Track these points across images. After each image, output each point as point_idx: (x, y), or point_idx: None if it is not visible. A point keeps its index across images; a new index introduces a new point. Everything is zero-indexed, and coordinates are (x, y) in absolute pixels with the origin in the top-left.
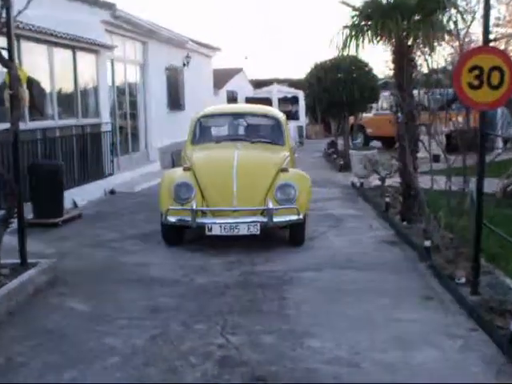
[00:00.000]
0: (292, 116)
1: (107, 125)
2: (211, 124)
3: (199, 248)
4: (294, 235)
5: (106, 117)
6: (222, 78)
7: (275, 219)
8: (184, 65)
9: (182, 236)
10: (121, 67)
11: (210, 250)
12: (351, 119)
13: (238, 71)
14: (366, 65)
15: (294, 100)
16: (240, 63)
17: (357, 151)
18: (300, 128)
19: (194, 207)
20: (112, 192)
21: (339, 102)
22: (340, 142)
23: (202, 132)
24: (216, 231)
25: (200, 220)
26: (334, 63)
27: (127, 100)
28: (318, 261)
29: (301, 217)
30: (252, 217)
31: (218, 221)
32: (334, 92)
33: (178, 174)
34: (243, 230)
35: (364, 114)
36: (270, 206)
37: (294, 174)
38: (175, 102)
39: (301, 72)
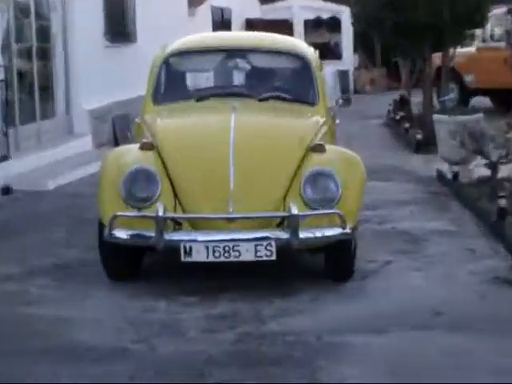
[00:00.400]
0: (330, 53)
1: None
2: (188, 68)
3: (166, 287)
4: (334, 264)
5: None
6: None
7: (303, 234)
8: None
9: (139, 265)
10: None
11: (183, 291)
12: (437, 58)
13: None
14: None
15: (333, 24)
16: None
17: (447, 116)
18: (344, 74)
19: (161, 213)
20: (6, 190)
21: (415, 27)
22: (416, 99)
23: (171, 82)
24: (199, 256)
25: (171, 236)
26: None
27: (33, 25)
28: (376, 314)
29: (347, 230)
30: (262, 231)
31: (202, 237)
32: (406, 8)
33: (132, 155)
34: (247, 254)
35: (459, 50)
36: (294, 210)
37: (334, 156)
38: (118, 28)
39: None
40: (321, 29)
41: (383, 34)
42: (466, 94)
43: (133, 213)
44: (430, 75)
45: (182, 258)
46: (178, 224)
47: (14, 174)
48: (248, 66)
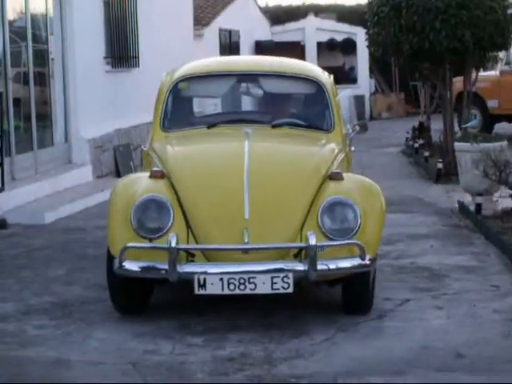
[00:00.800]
0: (345, 77)
1: None
2: (197, 93)
3: (170, 327)
4: (353, 297)
5: None
6: (209, 6)
7: (321, 266)
8: None
9: (148, 298)
10: None
11: (189, 331)
12: (458, 83)
13: None
14: None
15: (348, 46)
16: None
17: (469, 144)
18: (359, 99)
19: (174, 244)
20: (1, 224)
21: (434, 51)
22: (436, 125)
23: (180, 109)
24: (214, 288)
25: (184, 268)
26: None
27: (29, 49)
28: (394, 355)
29: (367, 262)
30: (278, 262)
31: (216, 269)
32: (425, 32)
33: (142, 184)
34: (263, 287)
35: (482, 73)
36: (312, 241)
37: (353, 185)
38: (120, 51)
39: None
40: (334, 51)
41: (401, 58)
42: (490, 120)
43: (144, 244)
44: (451, 100)
45: (196, 291)
46: (190, 255)
47: (10, 207)
48: (259, 91)
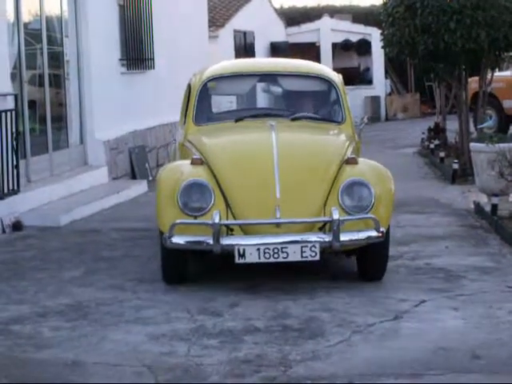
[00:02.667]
0: (360, 78)
1: (5, 99)
2: (224, 91)
3: (186, 329)
4: (367, 263)
5: (2, 83)
6: (224, 7)
7: (343, 237)
8: None
9: (187, 270)
10: None
11: (204, 333)
12: (473, 83)
13: None
14: None
15: (363, 47)
16: None
17: (485, 145)
18: (375, 100)
19: (217, 221)
20: (16, 226)
21: (450, 51)
22: (452, 126)
23: (209, 104)
24: (252, 257)
25: (226, 241)
26: None
27: (45, 51)
28: (409, 356)
29: (382, 231)
30: (306, 234)
31: (254, 241)
32: (441, 32)
33: (186, 170)
34: (294, 255)
35: (497, 74)
36: (336, 215)
37: (366, 168)
38: (135, 53)
39: None
40: (350, 52)
41: (417, 59)
42: (505, 120)
43: (192, 220)
44: (467, 101)
45: (236, 260)
46: (230, 230)
47: (25, 209)
48: (279, 89)
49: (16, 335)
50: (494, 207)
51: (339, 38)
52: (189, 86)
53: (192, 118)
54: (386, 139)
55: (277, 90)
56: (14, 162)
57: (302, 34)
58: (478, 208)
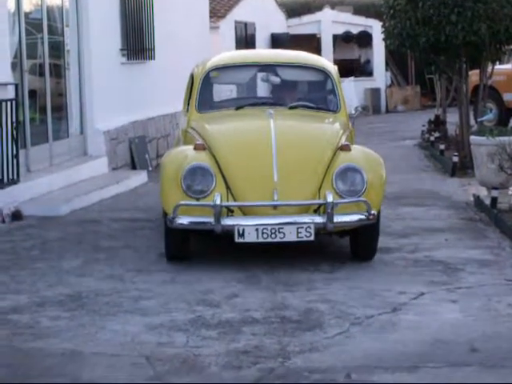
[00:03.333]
0: (360, 70)
1: (5, 88)
2: (225, 80)
3: (184, 319)
4: (359, 244)
5: (2, 73)
6: None
7: (337, 218)
8: None
9: (188, 248)
10: None
11: (203, 323)
12: (474, 76)
13: None
14: None
15: (364, 39)
16: None
17: (485, 138)
18: (375, 92)
19: (218, 202)
20: (16, 216)
21: (451, 44)
22: (452, 118)
23: (211, 93)
24: (250, 237)
25: (226, 221)
26: None
27: (45, 40)
28: (408, 349)
29: (373, 214)
30: (302, 216)
31: (253, 221)
32: (442, 25)
33: (189, 155)
34: (290, 235)
35: (498, 66)
36: (330, 198)
37: (359, 154)
38: (136, 43)
39: None
40: (350, 44)
41: (418, 51)
42: (505, 113)
43: (194, 202)
44: (467, 94)
45: (236, 239)
46: (230, 211)
47: (25, 199)
48: (277, 79)
49: (14, 325)
50: (494, 200)
51: (340, 30)
52: (191, 76)
53: (195, 106)
54: (386, 131)
55: (275, 79)
56: (14, 152)
57: (303, 25)
58: (478, 201)
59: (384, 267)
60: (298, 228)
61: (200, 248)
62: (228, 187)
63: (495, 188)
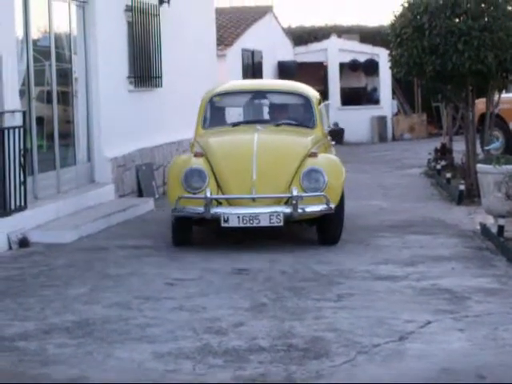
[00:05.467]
0: (367, 98)
1: (13, 116)
2: (226, 104)
3: (191, 347)
4: (323, 232)
5: (10, 100)
6: (232, 26)
7: (301, 209)
8: (161, 2)
9: (190, 235)
10: (42, 5)
11: (209, 351)
12: (481, 104)
13: (262, 13)
14: None
15: (371, 67)
16: None
17: (491, 166)
18: (382, 120)
19: (208, 195)
20: (23, 243)
21: (457, 72)
22: (459, 147)
23: (215, 114)
24: (233, 222)
25: (215, 210)
26: None
27: (53, 68)
28: (415, 378)
29: (331, 206)
30: (274, 206)
31: (235, 210)
32: (448, 53)
33: (190, 160)
34: (264, 221)
35: (505, 95)
36: (295, 192)
37: (323, 160)
38: (143, 71)
39: (382, 15)
40: (357, 72)
41: (424, 80)
42: None
43: (191, 195)
44: (474, 122)
45: (222, 224)
46: (218, 203)
47: (32, 226)
48: (267, 102)
49: (21, 351)
50: (501, 229)
51: (347, 58)
52: (201, 100)
53: (200, 124)
54: (392, 159)
55: (266, 103)
56: (22, 179)
57: (310, 53)
58: (485, 229)
59: (391, 295)
60: (270, 216)
61: (207, 275)
62: (218, 185)
63: (502, 216)
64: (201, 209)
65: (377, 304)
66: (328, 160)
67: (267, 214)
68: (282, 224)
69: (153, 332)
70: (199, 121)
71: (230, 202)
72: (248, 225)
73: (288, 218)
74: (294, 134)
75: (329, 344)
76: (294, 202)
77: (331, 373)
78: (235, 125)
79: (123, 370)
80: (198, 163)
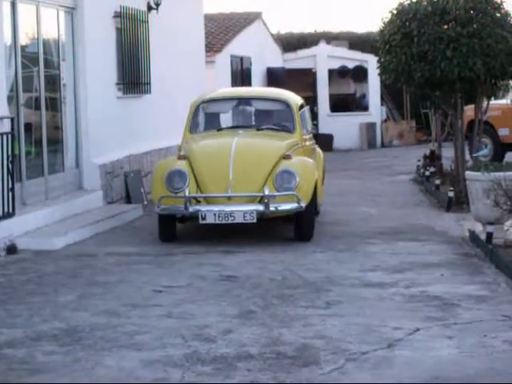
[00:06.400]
0: (356, 104)
1: (1, 122)
2: (213, 110)
3: (179, 355)
4: (297, 228)
5: None
6: (221, 32)
7: (272, 207)
8: (150, 8)
9: (175, 232)
10: (30, 11)
11: (198, 359)
12: (469, 111)
13: (251, 20)
14: (499, 5)
15: (360, 74)
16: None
17: (480, 173)
18: (371, 127)
19: (187, 194)
20: (11, 250)
21: (446, 79)
22: (447, 153)
23: (201, 120)
24: (210, 219)
25: (193, 208)
26: (436, 4)
27: (41, 74)
28: None
29: (301, 205)
30: (248, 204)
31: (212, 208)
32: (437, 60)
33: (173, 162)
34: (239, 218)
35: (493, 102)
36: (267, 191)
37: (296, 161)
38: (133, 78)
39: (371, 21)
40: (346, 79)
41: (413, 86)
42: (501, 148)
43: (172, 194)
44: (462, 129)
45: (200, 221)
46: (197, 201)
47: (20, 232)
48: (251, 108)
49: (9, 359)
50: (489, 236)
51: (336, 65)
52: (190, 107)
53: (188, 128)
54: (381, 166)
55: (250, 108)
56: (10, 185)
57: (299, 59)
58: (473, 236)
59: (380, 302)
60: (244, 213)
61: (196, 282)
62: (198, 185)
63: (490, 223)
64: (181, 207)
65: (366, 311)
66: (301, 162)
67: (241, 212)
68: (255, 221)
69: (141, 339)
70: (187, 126)
71: (208, 201)
72: (224, 221)
73: (261, 216)
74: (272, 137)
75: (317, 351)
76: (266, 200)
77: (320, 380)
78: (220, 129)
79: (112, 378)
80: (180, 165)
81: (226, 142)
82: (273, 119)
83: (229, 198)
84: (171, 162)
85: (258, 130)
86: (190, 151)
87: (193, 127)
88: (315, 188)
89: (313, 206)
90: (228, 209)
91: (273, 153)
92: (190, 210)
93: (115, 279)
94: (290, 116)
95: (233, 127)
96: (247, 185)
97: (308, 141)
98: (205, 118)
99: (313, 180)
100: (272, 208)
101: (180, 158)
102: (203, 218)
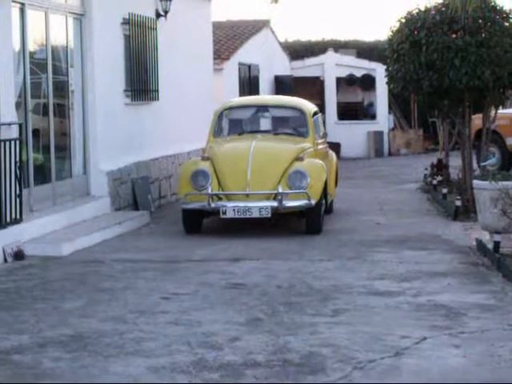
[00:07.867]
0: (364, 113)
1: (10, 128)
2: (234, 117)
3: (187, 361)
4: (308, 223)
5: (6, 112)
6: (229, 40)
7: (286, 204)
8: (159, 15)
9: (201, 224)
10: (39, 18)
11: (205, 366)
12: (477, 120)
13: (259, 28)
14: (507, 14)
15: (367, 82)
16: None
17: (487, 182)
18: (378, 135)
19: (210, 191)
20: (18, 255)
21: (454, 88)
22: (455, 162)
23: (224, 125)
24: (230, 214)
25: (215, 204)
26: (445, 13)
27: (49, 81)
28: None
29: (312, 202)
30: (264, 201)
31: (231, 204)
32: (445, 69)
33: (197, 162)
34: (255, 213)
35: (501, 111)
36: (280, 189)
37: (307, 163)
38: (141, 85)
39: (379, 30)
40: (354, 87)
41: (421, 95)
42: (509, 157)
43: (197, 192)
44: (470, 138)
45: (221, 216)
46: (219, 198)
47: (27, 238)
48: (269, 115)
49: (16, 365)
50: (497, 245)
51: (343, 73)
52: (213, 114)
53: (212, 133)
54: (388, 174)
55: (268, 115)
56: (17, 191)
57: (307, 68)
58: (481, 245)
59: (387, 311)
60: (259, 209)
61: (203, 290)
62: (219, 183)
63: (498, 232)
64: (204, 203)
65: (373, 319)
66: (312, 163)
67: (258, 208)
68: (269, 215)
69: (148, 346)
70: (210, 131)
71: (228, 198)
72: (242, 216)
73: (275, 211)
74: (287, 141)
75: (324, 359)
76: (279, 197)
77: None
78: (240, 134)
79: None
80: (204, 165)
81: (244, 145)
82: (288, 125)
83: (247, 195)
84: (196, 163)
85: (274, 134)
86: (212, 153)
87: (216, 132)
88: (325, 187)
89: (322, 203)
90: (246, 205)
91: (287, 155)
92: (213, 205)
93: (122, 286)
94: (304, 122)
95: (252, 132)
96: (263, 183)
97: (320, 144)
98: (226, 124)
99: (322, 180)
100: (285, 204)
101: (204, 159)
102: (224, 213)
